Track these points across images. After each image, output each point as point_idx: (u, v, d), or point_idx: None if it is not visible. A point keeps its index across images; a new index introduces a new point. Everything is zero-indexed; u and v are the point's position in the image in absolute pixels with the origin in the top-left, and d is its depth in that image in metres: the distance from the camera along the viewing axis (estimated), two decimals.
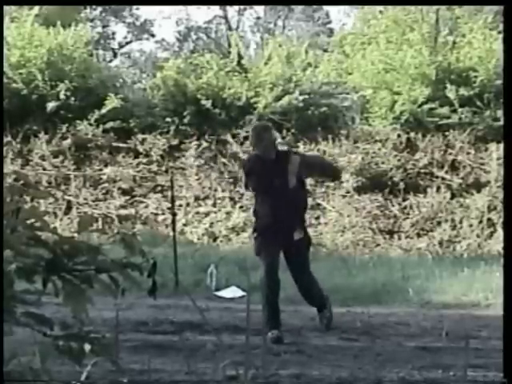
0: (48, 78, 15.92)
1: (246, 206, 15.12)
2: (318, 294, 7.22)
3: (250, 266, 10.67)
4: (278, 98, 15.64)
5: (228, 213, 15.12)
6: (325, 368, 5.53)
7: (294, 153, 7.25)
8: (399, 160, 15.22)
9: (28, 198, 2.17)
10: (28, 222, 1.95)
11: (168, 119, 15.94)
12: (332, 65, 16.87)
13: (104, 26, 32.35)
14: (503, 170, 8.81)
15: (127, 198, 15.52)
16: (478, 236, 14.24)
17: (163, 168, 15.57)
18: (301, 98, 15.65)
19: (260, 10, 34.72)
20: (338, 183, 15.10)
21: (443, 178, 15.04)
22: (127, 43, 34.12)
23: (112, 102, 15.69)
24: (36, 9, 16.90)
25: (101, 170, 15.73)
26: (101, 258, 1.93)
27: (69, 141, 15.76)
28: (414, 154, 15.31)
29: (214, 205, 15.29)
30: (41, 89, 15.90)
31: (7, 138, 15.58)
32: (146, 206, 15.39)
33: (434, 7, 16.52)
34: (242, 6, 33.51)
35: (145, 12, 52.98)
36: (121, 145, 15.88)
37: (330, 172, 7.73)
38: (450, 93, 15.06)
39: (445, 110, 15.17)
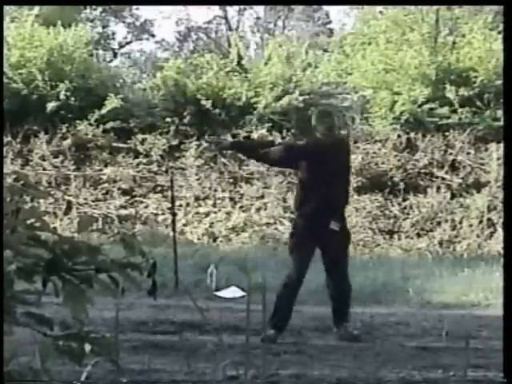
0: (48, 78, 15.92)
1: (245, 206, 15.14)
2: (347, 301, 7.04)
3: (249, 265, 10.70)
4: (278, 98, 15.65)
5: (228, 213, 15.12)
6: (325, 368, 5.53)
7: None
8: (399, 160, 15.22)
9: (28, 198, 2.17)
10: (28, 222, 1.95)
11: (168, 119, 15.94)
12: (332, 65, 16.87)
13: (104, 26, 32.33)
14: (503, 170, 8.80)
15: (127, 197, 15.52)
16: (478, 236, 14.24)
17: (163, 168, 15.57)
18: (301, 98, 15.65)
19: (260, 10, 34.72)
20: None
21: (443, 178, 15.03)
22: (127, 43, 34.11)
23: (112, 102, 15.69)
24: (36, 9, 16.90)
25: (101, 170, 15.74)
26: (101, 258, 1.93)
27: (69, 141, 15.76)
28: (414, 154, 15.31)
29: (214, 205, 15.29)
30: (41, 89, 15.90)
31: (7, 138, 15.58)
32: (146, 206, 15.39)
33: (434, 7, 16.51)
34: (242, 6, 33.51)
35: (145, 12, 52.96)
36: (121, 145, 15.88)
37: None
38: (450, 93, 15.06)
39: (445, 110, 15.17)
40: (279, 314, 6.81)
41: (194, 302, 2.77)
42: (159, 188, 15.48)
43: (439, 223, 14.58)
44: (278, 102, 15.59)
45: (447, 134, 15.27)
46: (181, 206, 14.80)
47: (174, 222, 11.44)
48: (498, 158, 14.31)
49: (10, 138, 15.64)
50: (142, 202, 15.48)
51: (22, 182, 2.08)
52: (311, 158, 6.89)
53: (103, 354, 1.92)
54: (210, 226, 15.01)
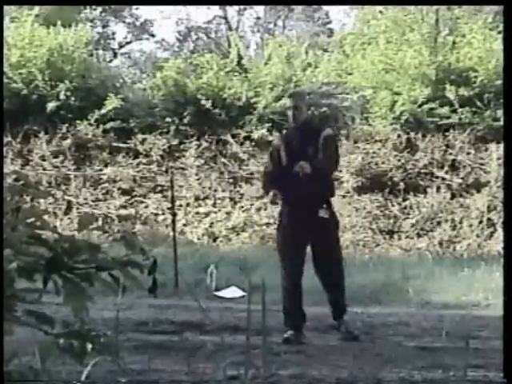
0: (48, 78, 15.93)
1: (245, 206, 15.14)
2: (342, 293, 6.93)
3: (250, 265, 10.70)
4: (278, 98, 15.64)
5: (228, 213, 15.12)
6: (325, 368, 5.53)
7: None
8: (399, 160, 15.22)
9: (28, 198, 2.17)
10: (28, 220, 1.95)
11: (168, 119, 15.94)
12: (332, 65, 16.87)
13: (104, 26, 32.34)
14: (503, 170, 8.81)
15: (127, 197, 15.52)
16: (477, 236, 14.24)
17: (163, 168, 15.57)
18: None
19: (260, 10, 34.74)
20: (338, 183, 15.10)
21: (443, 178, 15.03)
22: (127, 43, 34.11)
23: (112, 102, 15.70)
24: (36, 9, 16.90)
25: (101, 170, 15.74)
26: (101, 256, 1.93)
27: (69, 141, 15.76)
28: (414, 154, 15.31)
29: (214, 205, 15.29)
30: (41, 89, 15.90)
31: (7, 138, 15.58)
32: (146, 206, 15.39)
33: (434, 7, 16.51)
34: (242, 6, 33.52)
35: (145, 12, 53.04)
36: (121, 145, 15.89)
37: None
38: (450, 93, 15.06)
39: (445, 110, 15.17)
40: (290, 314, 6.77)
41: (197, 301, 2.77)
42: (159, 188, 15.48)
43: (439, 223, 14.58)
44: (278, 102, 15.58)
45: (447, 134, 15.27)
46: (181, 205, 14.80)
47: (174, 221, 11.44)
48: (498, 158, 14.31)
49: (10, 138, 15.65)
50: (142, 202, 15.48)
51: (22, 182, 2.08)
52: (283, 150, 6.87)
53: (104, 352, 1.92)
54: (210, 226, 15.01)
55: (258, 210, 15.08)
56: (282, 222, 6.93)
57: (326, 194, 6.83)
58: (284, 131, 7.53)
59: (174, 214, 11.62)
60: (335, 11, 63.23)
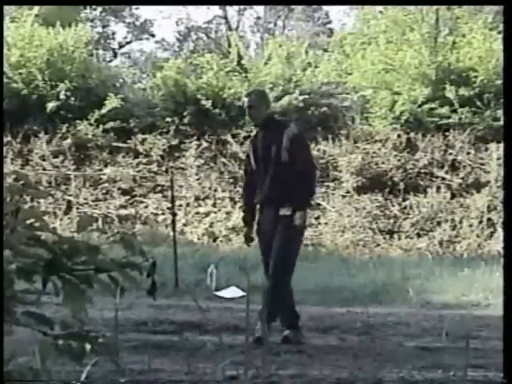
0: (48, 78, 15.94)
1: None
2: (290, 300, 6.71)
3: (249, 265, 10.70)
4: (278, 98, 15.64)
5: (228, 213, 15.12)
6: (325, 368, 5.53)
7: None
8: (399, 160, 15.22)
9: (28, 199, 2.17)
10: (27, 222, 1.95)
11: (168, 119, 15.95)
12: (332, 65, 16.87)
13: (104, 26, 32.35)
14: (503, 170, 8.81)
15: (127, 197, 15.52)
16: (478, 236, 14.24)
17: (163, 168, 15.58)
18: (301, 97, 15.66)
19: (260, 9, 34.75)
20: (338, 183, 15.12)
21: (443, 178, 15.03)
22: (127, 43, 34.12)
23: (112, 102, 15.70)
24: (36, 9, 16.91)
25: (101, 170, 15.74)
26: (100, 257, 1.93)
27: (69, 141, 15.77)
28: (414, 154, 15.31)
29: (214, 205, 15.29)
30: (41, 89, 15.91)
31: (7, 138, 15.58)
32: (146, 206, 15.39)
33: (434, 7, 16.51)
34: (241, 6, 33.53)
35: (145, 12, 53.05)
36: (121, 145, 15.89)
37: None
38: (450, 93, 15.06)
39: (445, 110, 15.17)
40: (281, 314, 6.73)
41: (195, 301, 2.77)
42: (159, 188, 15.48)
43: (439, 223, 14.58)
44: (278, 102, 15.58)
45: (447, 133, 15.28)
46: (181, 206, 14.80)
47: (174, 221, 11.44)
48: (498, 158, 14.31)
49: (10, 138, 15.65)
50: (142, 202, 15.48)
51: (21, 182, 2.08)
52: (251, 154, 6.86)
53: (103, 353, 1.92)
54: (210, 226, 15.01)
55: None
56: (259, 224, 6.88)
57: (300, 191, 6.66)
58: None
59: (174, 214, 11.62)
60: (335, 11, 63.27)
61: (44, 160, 15.65)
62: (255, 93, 7.43)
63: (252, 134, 7.38)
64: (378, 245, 14.41)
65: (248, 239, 6.95)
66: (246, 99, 6.95)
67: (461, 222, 14.46)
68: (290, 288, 6.71)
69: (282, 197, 6.59)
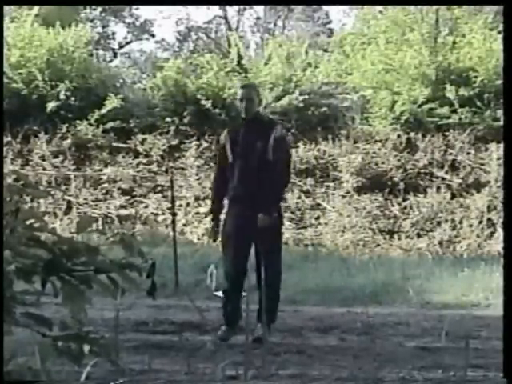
0: (48, 78, 15.93)
1: None
2: (277, 299, 6.72)
3: (249, 266, 10.68)
4: (278, 98, 15.65)
5: None
6: (325, 368, 5.53)
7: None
8: (399, 160, 15.22)
9: (28, 198, 2.17)
10: (27, 222, 1.95)
11: (168, 119, 15.95)
12: (332, 65, 16.87)
13: (104, 26, 32.36)
14: (503, 170, 8.80)
15: (127, 198, 15.52)
16: (478, 236, 14.23)
17: (163, 168, 15.57)
18: (301, 97, 15.66)
19: (260, 10, 34.77)
20: (338, 183, 15.11)
21: (443, 178, 15.03)
22: (127, 43, 34.14)
23: (112, 102, 15.70)
24: (36, 9, 16.91)
25: (101, 170, 15.74)
26: (100, 258, 1.93)
27: (69, 141, 15.77)
28: (414, 154, 15.31)
29: None
30: (41, 89, 15.91)
31: (7, 138, 15.58)
32: (146, 206, 15.39)
33: (434, 7, 16.51)
34: (241, 6, 33.53)
35: (145, 12, 53.08)
36: (121, 145, 15.89)
37: None
38: (450, 93, 15.06)
39: (445, 110, 15.17)
40: (227, 310, 6.69)
41: (192, 302, 2.77)
42: (159, 188, 15.47)
43: (439, 223, 14.57)
44: (278, 102, 15.59)
45: (447, 133, 15.27)
46: (181, 206, 14.79)
47: (174, 221, 11.44)
48: (498, 158, 14.31)
49: (10, 138, 15.65)
50: (142, 202, 15.48)
51: (21, 182, 2.08)
52: (228, 147, 6.74)
53: (102, 354, 1.92)
54: None
55: None
56: (227, 220, 6.78)
57: (272, 194, 6.66)
58: (228, 128, 7.28)
59: (174, 214, 11.61)
60: (335, 11, 63.30)
61: (44, 160, 15.65)
62: (252, 86, 7.44)
63: (229, 127, 7.23)
64: (378, 245, 14.40)
65: (214, 234, 6.85)
66: (242, 91, 6.92)
67: (461, 222, 14.45)
68: (242, 288, 6.72)
69: (257, 194, 6.54)
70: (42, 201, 14.33)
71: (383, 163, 15.22)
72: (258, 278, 6.68)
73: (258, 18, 35.10)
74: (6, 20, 16.60)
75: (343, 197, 15.00)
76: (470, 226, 14.36)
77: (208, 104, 15.65)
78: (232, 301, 6.67)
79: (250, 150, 6.62)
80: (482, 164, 15.04)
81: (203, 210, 15.19)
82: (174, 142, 15.77)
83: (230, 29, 31.32)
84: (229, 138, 6.79)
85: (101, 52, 25.81)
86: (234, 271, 6.69)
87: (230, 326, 6.65)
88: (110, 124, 15.77)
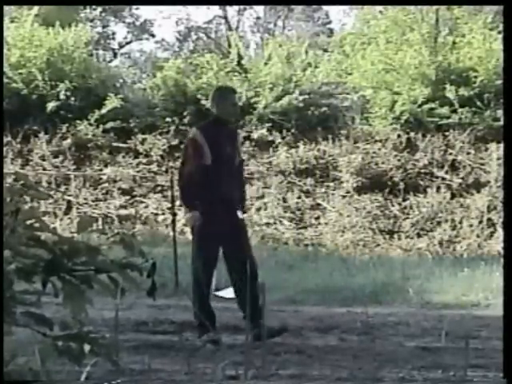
0: (48, 78, 15.94)
1: (245, 206, 15.10)
2: (258, 294, 6.67)
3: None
4: (278, 98, 15.65)
5: None
6: (325, 368, 5.53)
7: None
8: (399, 160, 15.22)
9: (28, 199, 2.17)
10: (27, 222, 1.95)
11: (168, 119, 15.95)
12: (332, 65, 16.87)
13: (104, 26, 32.34)
14: (503, 170, 8.81)
15: (127, 197, 15.52)
16: (478, 236, 14.24)
17: (163, 168, 15.57)
18: (301, 97, 15.65)
19: (260, 10, 34.73)
20: (338, 183, 15.11)
21: (443, 178, 15.03)
22: (127, 43, 34.12)
23: (112, 102, 15.70)
24: (36, 9, 16.91)
25: (101, 170, 15.74)
26: (100, 258, 1.93)
27: (69, 141, 15.77)
28: (414, 154, 15.31)
29: None
30: (41, 89, 15.91)
31: (7, 138, 15.59)
32: (146, 206, 15.39)
33: (434, 7, 16.51)
34: (241, 6, 33.50)
35: (145, 12, 53.04)
36: (121, 145, 15.89)
37: None
38: (450, 93, 15.06)
39: (445, 110, 15.17)
40: (204, 310, 6.64)
41: (192, 303, 2.77)
42: (159, 188, 15.48)
43: (439, 223, 14.58)
44: (278, 102, 15.59)
45: (447, 133, 15.28)
46: (181, 206, 14.78)
47: (173, 221, 11.44)
48: (498, 158, 14.31)
49: (10, 138, 15.65)
50: (142, 202, 15.48)
51: (21, 183, 2.08)
52: (207, 148, 6.63)
53: (102, 354, 1.92)
54: None
55: (258, 209, 15.07)
56: (210, 220, 6.64)
57: (244, 195, 7.09)
58: (197, 126, 7.27)
59: (174, 214, 11.61)
60: (335, 11, 63.27)
61: (44, 160, 15.65)
62: (234, 90, 7.58)
63: (201, 127, 7.12)
64: (378, 245, 14.40)
65: (195, 220, 6.77)
66: (234, 96, 7.16)
67: (461, 222, 14.46)
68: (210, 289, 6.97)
69: (238, 195, 6.82)
70: (42, 201, 14.33)
71: (383, 163, 15.22)
72: (238, 277, 6.64)
73: (258, 18, 35.09)
74: (6, 20, 16.60)
75: (343, 197, 15.00)
76: (470, 225, 14.37)
77: (208, 104, 15.63)
78: (205, 300, 6.70)
79: (231, 152, 6.72)
80: (482, 164, 15.04)
81: None
82: (174, 142, 15.76)
83: (230, 29, 31.31)
84: (204, 138, 6.64)
85: (101, 52, 25.82)
86: (208, 270, 6.76)
87: (212, 326, 6.53)
88: (110, 124, 15.77)
